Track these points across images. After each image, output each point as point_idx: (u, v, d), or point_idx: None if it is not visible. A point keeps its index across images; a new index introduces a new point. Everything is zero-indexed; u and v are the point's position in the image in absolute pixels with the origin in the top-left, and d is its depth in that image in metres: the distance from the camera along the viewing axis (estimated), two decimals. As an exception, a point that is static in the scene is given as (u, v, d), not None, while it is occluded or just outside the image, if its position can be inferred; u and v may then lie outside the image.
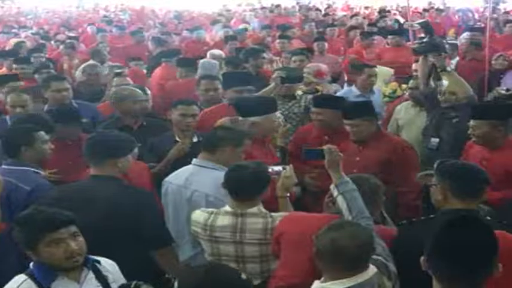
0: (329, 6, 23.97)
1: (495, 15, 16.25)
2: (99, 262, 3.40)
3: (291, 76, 6.74)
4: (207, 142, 4.72)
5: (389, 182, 4.74)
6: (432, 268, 2.62)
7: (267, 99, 5.90)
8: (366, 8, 23.06)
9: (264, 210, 4.05)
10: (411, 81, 6.89)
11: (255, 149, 5.12)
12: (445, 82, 6.52)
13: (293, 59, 8.73)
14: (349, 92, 7.46)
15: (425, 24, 7.44)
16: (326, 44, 10.90)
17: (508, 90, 6.56)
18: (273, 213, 4.03)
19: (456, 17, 18.80)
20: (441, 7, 20.19)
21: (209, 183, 4.29)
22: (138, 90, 6.31)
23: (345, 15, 19.15)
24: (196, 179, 4.56)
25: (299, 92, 6.95)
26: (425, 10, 18.97)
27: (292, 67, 8.10)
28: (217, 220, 4.03)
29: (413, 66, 8.27)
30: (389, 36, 10.96)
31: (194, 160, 4.71)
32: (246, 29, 14.86)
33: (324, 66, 8.39)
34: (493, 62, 9.13)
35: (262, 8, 22.13)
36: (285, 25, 14.24)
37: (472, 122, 5.18)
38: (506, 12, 17.59)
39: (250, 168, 4.04)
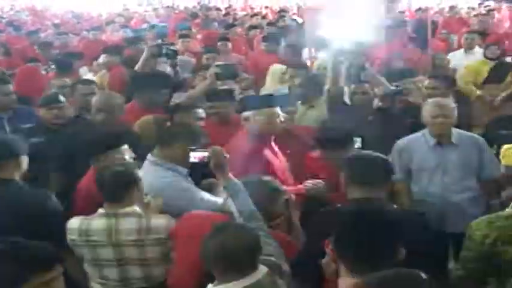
0: (230, 6, 24.05)
1: (391, 15, 16.68)
2: None
3: (226, 72, 6.75)
4: (162, 137, 4.62)
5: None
6: (337, 253, 2.79)
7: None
8: (266, 7, 23.21)
9: (138, 209, 4.02)
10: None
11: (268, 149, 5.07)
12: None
13: (205, 56, 8.80)
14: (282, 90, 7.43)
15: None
16: (229, 44, 10.91)
17: (397, 86, 6.78)
18: (151, 214, 4.02)
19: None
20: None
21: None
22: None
23: (245, 15, 19.27)
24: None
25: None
26: (323, 10, 19.22)
27: (227, 63, 8.12)
28: (92, 224, 3.98)
29: (316, 65, 8.46)
30: (262, 43, 10.92)
31: (148, 155, 4.59)
32: (146, 30, 14.74)
33: (233, 65, 8.44)
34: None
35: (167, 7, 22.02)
36: (184, 25, 14.21)
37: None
38: (401, 12, 18.08)
39: (112, 169, 4.04)
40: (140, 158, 4.69)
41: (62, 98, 6.12)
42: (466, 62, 9.46)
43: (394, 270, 2.38)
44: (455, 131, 5.35)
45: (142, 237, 3.90)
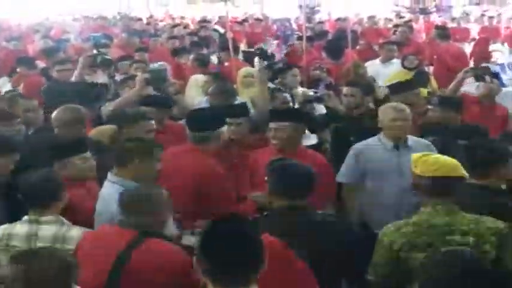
0: (151, 16, 23.94)
1: (311, 25, 16.95)
2: None
3: (155, 78, 6.71)
4: (118, 156, 4.46)
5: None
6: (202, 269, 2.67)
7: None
8: (182, 18, 23.09)
9: (62, 218, 4.00)
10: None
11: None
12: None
13: (134, 66, 8.83)
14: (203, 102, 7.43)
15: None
16: (146, 55, 10.84)
17: (315, 92, 6.94)
18: (72, 225, 3.99)
19: (275, 26, 19.38)
20: (260, 17, 20.73)
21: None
22: None
23: (165, 25, 19.24)
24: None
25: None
26: (244, 20, 19.37)
27: (156, 69, 8.09)
28: (14, 229, 3.96)
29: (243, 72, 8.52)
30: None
31: (108, 175, 4.45)
32: (68, 40, 14.58)
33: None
34: (313, 71, 9.53)
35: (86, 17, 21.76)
36: (107, 35, 14.17)
37: (273, 125, 5.25)
38: (321, 22, 18.37)
39: (37, 174, 4.03)
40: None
41: None
42: (383, 72, 9.69)
43: None
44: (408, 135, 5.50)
45: (57, 245, 3.84)
